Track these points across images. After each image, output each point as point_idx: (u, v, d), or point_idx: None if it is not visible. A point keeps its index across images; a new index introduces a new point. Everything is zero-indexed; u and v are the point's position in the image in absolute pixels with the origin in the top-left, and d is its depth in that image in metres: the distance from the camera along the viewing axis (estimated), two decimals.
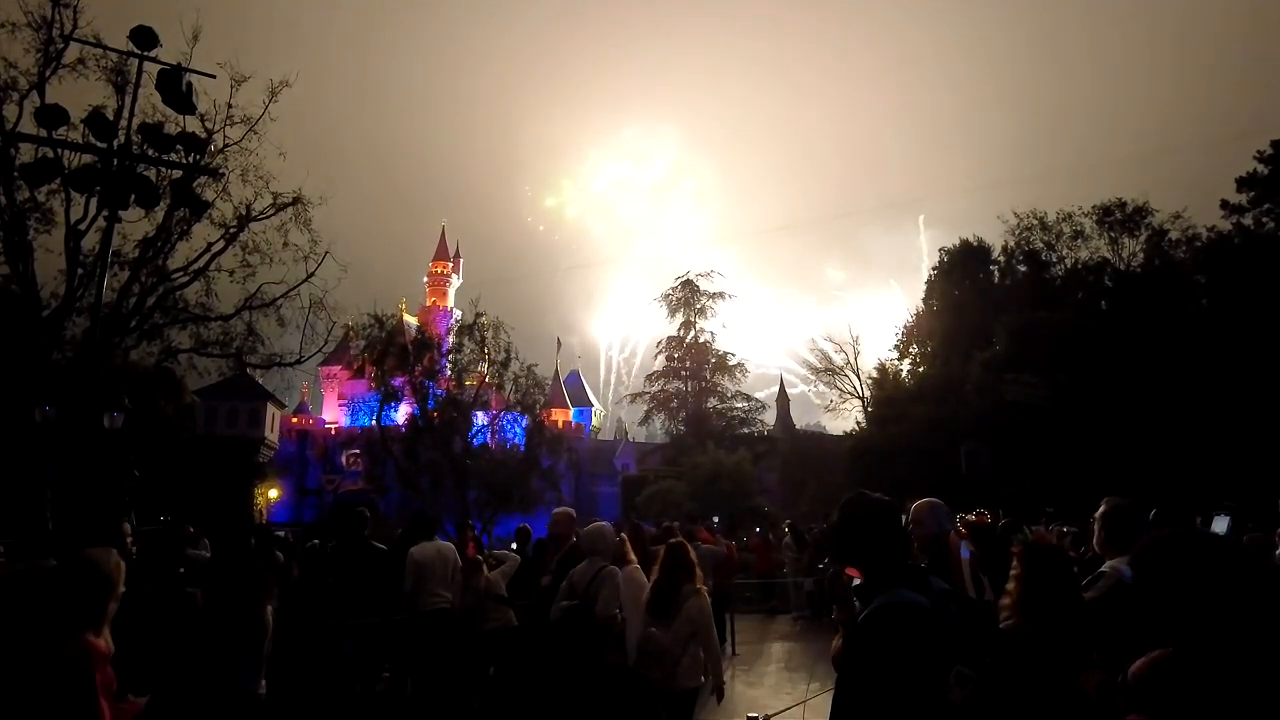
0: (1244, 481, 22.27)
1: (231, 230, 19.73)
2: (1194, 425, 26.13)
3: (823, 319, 70.15)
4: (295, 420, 60.81)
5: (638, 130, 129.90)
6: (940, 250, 44.39)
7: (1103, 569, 3.42)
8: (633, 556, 5.44)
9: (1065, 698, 2.58)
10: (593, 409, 70.94)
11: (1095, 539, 3.79)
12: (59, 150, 13.96)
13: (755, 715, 4.28)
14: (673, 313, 49.44)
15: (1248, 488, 21.08)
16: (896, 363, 43.55)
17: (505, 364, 33.79)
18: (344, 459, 56.29)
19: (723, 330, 50.40)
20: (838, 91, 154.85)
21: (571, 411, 63.83)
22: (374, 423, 33.86)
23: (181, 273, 19.47)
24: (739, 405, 48.41)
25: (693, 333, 48.59)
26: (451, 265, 73.08)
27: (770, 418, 55.90)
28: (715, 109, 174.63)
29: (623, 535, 5.63)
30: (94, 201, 15.75)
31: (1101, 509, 3.75)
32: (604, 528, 5.67)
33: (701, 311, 48.75)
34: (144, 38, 9.81)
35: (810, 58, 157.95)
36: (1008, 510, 6.48)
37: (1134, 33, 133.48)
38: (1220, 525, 6.96)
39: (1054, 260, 37.76)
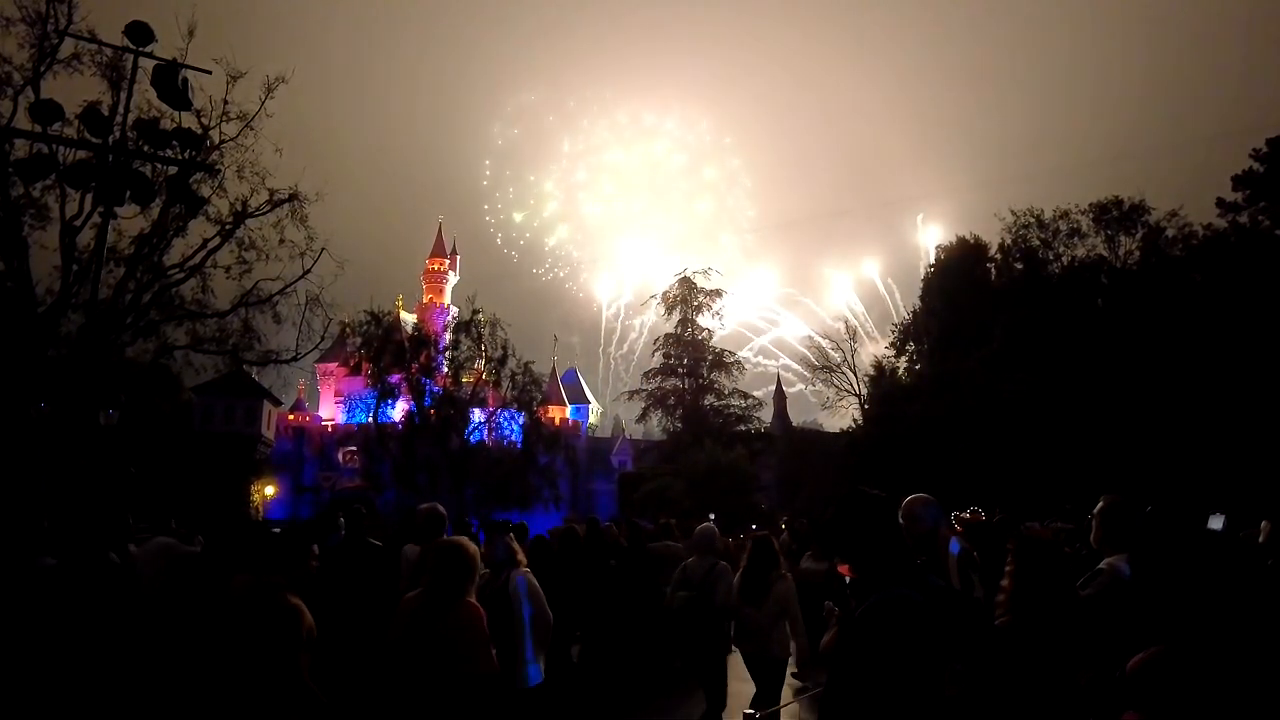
0: (1241, 478, 22.34)
1: (228, 226, 19.67)
2: (1190, 422, 26.21)
3: (820, 316, 70.26)
4: (292, 417, 60.69)
5: (635, 127, 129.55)
6: (937, 248, 44.48)
7: (1100, 566, 3.43)
8: (522, 558, 5.25)
9: (1057, 693, 2.58)
10: (590, 406, 70.93)
11: (1093, 536, 3.79)
12: (54, 146, 13.88)
13: (751, 711, 4.28)
14: (670, 310, 49.46)
15: (1245, 484, 21.17)
16: (893, 360, 43.63)
17: (502, 361, 33.85)
18: (341, 456, 56.24)
19: (720, 328, 50.49)
20: (835, 90, 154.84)
21: (568, 409, 63.80)
22: (371, 420, 33.87)
23: (178, 269, 19.41)
24: (736, 402, 48.45)
25: (690, 330, 48.59)
26: (448, 262, 73.01)
27: (767, 415, 55.99)
28: (712, 108, 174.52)
29: (510, 535, 5.30)
30: (89, 198, 15.69)
31: (1099, 506, 3.75)
32: (712, 529, 6.60)
33: (699, 309, 48.75)
34: (139, 33, 9.75)
35: (807, 57, 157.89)
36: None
37: (1132, 30, 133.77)
38: (1216, 523, 6.97)
39: (1050, 258, 37.79)
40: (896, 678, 2.16)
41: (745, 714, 3.91)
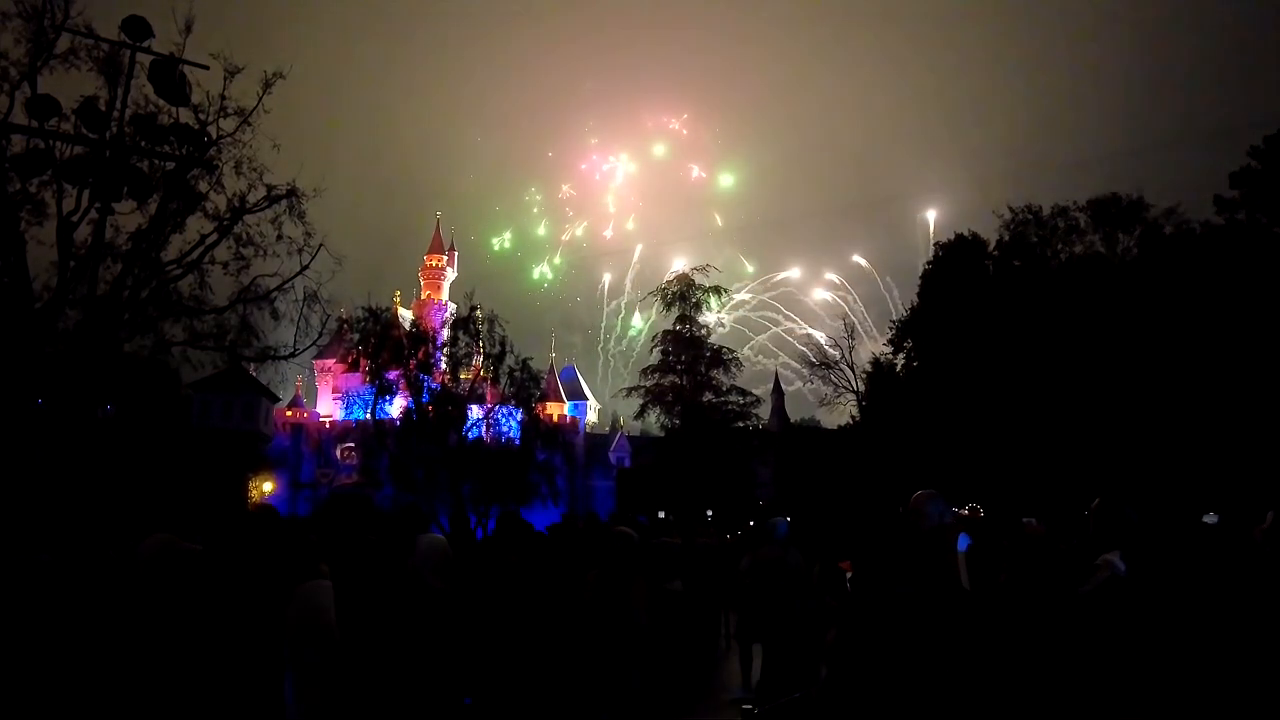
0: (1238, 476, 22.41)
1: (225, 222, 19.59)
2: (1187, 419, 26.28)
3: (818, 313, 70.27)
4: (290, 414, 60.70)
5: (632, 126, 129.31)
6: (935, 245, 44.48)
7: (1096, 562, 3.44)
8: (323, 567, 4.27)
9: (1052, 687, 2.59)
10: (588, 403, 70.96)
11: (1089, 532, 3.81)
12: (50, 141, 13.82)
13: (750, 707, 4.29)
14: (668, 307, 49.43)
15: (1242, 482, 21.24)
16: (891, 357, 43.66)
17: (500, 358, 33.76)
18: (338, 452, 56.29)
19: (718, 325, 50.42)
20: (835, 87, 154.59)
21: (567, 405, 63.83)
22: (368, 416, 33.79)
23: (175, 265, 19.33)
24: (734, 399, 48.44)
25: (688, 327, 48.56)
26: (446, 258, 73.03)
27: (765, 412, 56.00)
28: (713, 106, 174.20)
29: (311, 535, 4.51)
30: (87, 193, 15.63)
31: (1095, 503, 3.77)
32: (783, 520, 7.93)
33: (697, 306, 48.71)
34: (136, 28, 9.74)
35: (807, 54, 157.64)
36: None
37: (1130, 27, 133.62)
38: (1210, 520, 6.99)
39: (1048, 255, 37.80)
40: (895, 673, 2.17)
41: (744, 710, 3.92)
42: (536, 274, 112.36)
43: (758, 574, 7.53)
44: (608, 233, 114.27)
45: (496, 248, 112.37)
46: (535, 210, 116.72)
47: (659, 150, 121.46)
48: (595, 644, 4.24)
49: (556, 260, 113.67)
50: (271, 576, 3.57)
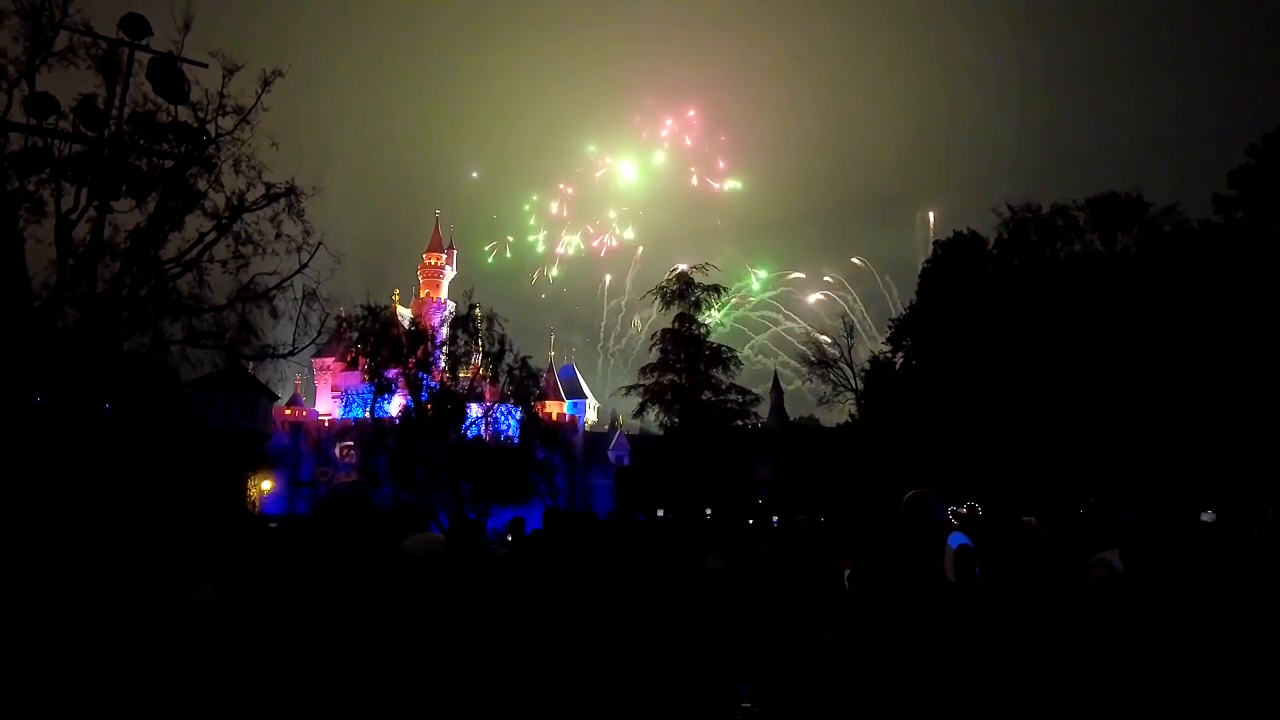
0: (1236, 475, 22.44)
1: (224, 220, 19.57)
2: (1186, 418, 26.31)
3: (818, 312, 70.30)
4: (289, 412, 60.67)
5: (635, 121, 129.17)
6: (934, 243, 44.50)
7: (1094, 560, 3.45)
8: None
9: (1050, 685, 2.60)
10: (587, 401, 70.96)
11: (1087, 531, 3.82)
12: (49, 140, 13.79)
13: (748, 705, 4.30)
14: (667, 305, 49.40)
15: (1240, 481, 21.27)
16: (890, 355, 43.68)
17: (499, 356, 33.75)
18: (337, 451, 56.21)
19: (718, 325, 50.40)
20: (835, 87, 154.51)
21: (566, 404, 63.82)
22: (367, 415, 33.78)
23: (174, 264, 19.30)
24: (733, 398, 48.44)
25: (687, 325, 48.55)
26: (445, 257, 73.01)
27: (764, 411, 56.02)
28: (713, 107, 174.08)
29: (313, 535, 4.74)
30: (85, 191, 15.61)
31: (1092, 501, 3.78)
32: (810, 519, 7.28)
33: (696, 305, 48.70)
34: (135, 26, 9.73)
35: (806, 54, 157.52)
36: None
37: (1129, 26, 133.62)
38: (1207, 518, 7.00)
39: (1048, 253, 37.82)
40: (893, 671, 2.18)
41: (744, 709, 3.93)
42: (534, 281, 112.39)
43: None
44: (609, 239, 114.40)
45: (491, 259, 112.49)
46: (533, 221, 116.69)
47: (659, 157, 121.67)
48: (657, 630, 4.39)
49: (555, 272, 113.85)
50: (150, 580, 3.77)
